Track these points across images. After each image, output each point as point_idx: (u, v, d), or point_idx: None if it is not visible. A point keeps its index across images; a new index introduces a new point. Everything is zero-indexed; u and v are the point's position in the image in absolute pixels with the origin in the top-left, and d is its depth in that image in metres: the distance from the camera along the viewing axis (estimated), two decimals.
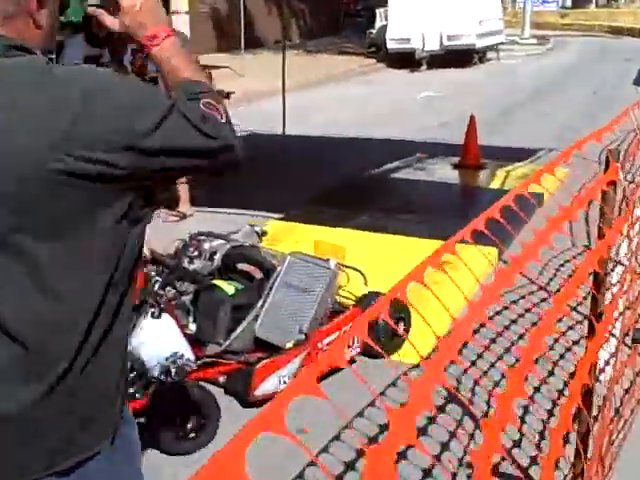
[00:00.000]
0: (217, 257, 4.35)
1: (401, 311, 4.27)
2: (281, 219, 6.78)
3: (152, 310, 3.65)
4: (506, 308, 4.89)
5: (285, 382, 3.89)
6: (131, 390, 3.53)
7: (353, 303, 4.48)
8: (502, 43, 22.60)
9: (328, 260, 4.25)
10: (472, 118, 8.63)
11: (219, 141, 1.52)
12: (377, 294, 4.40)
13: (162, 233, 5.68)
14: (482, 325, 4.40)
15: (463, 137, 8.70)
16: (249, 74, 16.83)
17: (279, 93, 10.38)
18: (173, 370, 3.60)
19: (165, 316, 3.70)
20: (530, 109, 13.25)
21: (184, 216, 7.09)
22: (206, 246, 4.43)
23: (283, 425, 1.19)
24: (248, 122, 11.51)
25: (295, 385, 1.35)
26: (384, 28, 20.95)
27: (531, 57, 22.92)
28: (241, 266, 4.42)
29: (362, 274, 4.59)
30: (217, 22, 22.54)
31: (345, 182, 8.00)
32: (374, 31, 22.88)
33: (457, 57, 19.45)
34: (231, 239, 4.60)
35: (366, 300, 4.32)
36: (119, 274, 1.52)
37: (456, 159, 8.81)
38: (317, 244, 4.96)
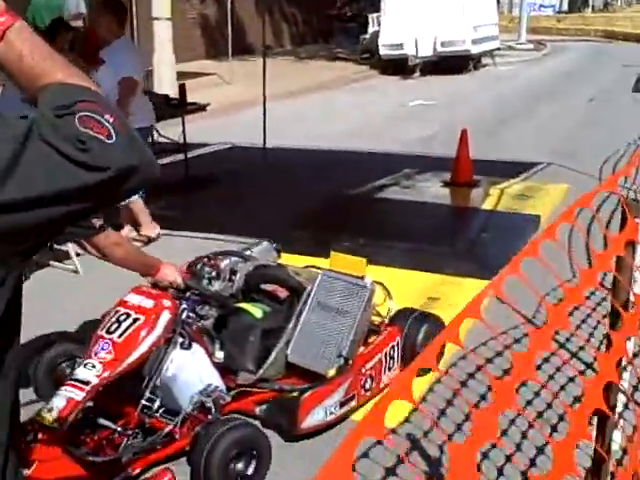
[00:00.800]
0: (238, 277, 4.06)
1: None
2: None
3: (181, 340, 3.37)
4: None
5: (332, 413, 3.59)
6: (166, 430, 3.25)
7: (383, 320, 4.21)
8: (498, 49, 22.07)
9: (363, 277, 3.97)
10: (464, 132, 8.04)
11: (110, 171, 1.05)
12: (410, 311, 4.25)
13: None
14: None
15: (454, 150, 8.11)
16: (237, 81, 16.31)
17: (268, 101, 9.83)
18: (208, 404, 3.35)
19: (195, 346, 3.43)
20: (526, 118, 12.72)
21: (149, 240, 6.54)
22: (224, 265, 4.07)
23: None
24: (231, 133, 11.01)
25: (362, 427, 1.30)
26: (377, 34, 20.42)
27: (527, 63, 22.38)
28: (264, 286, 4.17)
29: (386, 289, 4.24)
30: (206, 28, 21.99)
31: (324, 202, 7.42)
32: (367, 37, 22.34)
33: (451, 63, 18.94)
34: (250, 257, 4.25)
35: (400, 318, 4.17)
36: None
37: (447, 175, 8.22)
38: (334, 257, 4.53)
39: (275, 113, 10.16)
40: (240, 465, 3.17)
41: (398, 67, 19.15)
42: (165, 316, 3.30)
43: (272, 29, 25.90)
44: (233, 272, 4.08)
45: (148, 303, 3.31)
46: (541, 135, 11.19)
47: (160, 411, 3.32)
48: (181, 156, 8.32)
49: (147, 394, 3.28)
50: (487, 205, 7.33)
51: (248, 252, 4.45)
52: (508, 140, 10.80)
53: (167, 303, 3.35)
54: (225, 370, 3.66)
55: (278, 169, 8.88)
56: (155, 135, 7.85)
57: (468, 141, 8.00)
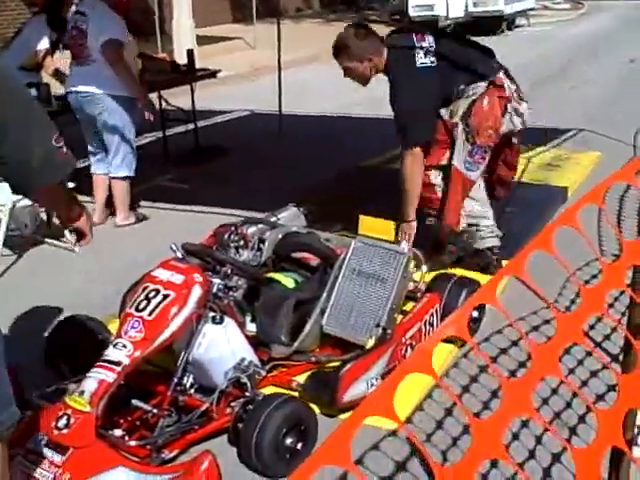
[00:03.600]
0: (266, 245, 3.96)
1: None
2: None
3: (212, 314, 3.24)
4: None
5: (373, 385, 3.39)
6: (202, 409, 3.12)
7: (418, 287, 4.03)
8: (532, 9, 21.31)
9: (399, 243, 3.86)
10: None
11: None
12: (449, 275, 4.15)
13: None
14: None
15: None
16: (262, 46, 15.87)
17: (293, 65, 9.39)
18: (244, 380, 3.24)
19: (227, 320, 3.29)
20: (560, 82, 12.14)
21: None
22: (251, 233, 3.95)
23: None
24: (252, 99, 10.64)
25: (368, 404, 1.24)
26: None
27: (564, 23, 21.56)
28: (294, 254, 4.04)
29: (419, 255, 4.03)
30: None
31: (336, 173, 7.04)
32: None
33: (484, 24, 18.29)
34: (278, 224, 4.19)
35: (438, 283, 4.04)
36: None
37: None
38: (363, 220, 4.41)
39: (299, 78, 9.77)
40: (289, 441, 3.02)
41: (428, 29, 18.52)
42: (196, 291, 3.14)
43: None
44: (261, 240, 3.96)
45: (178, 278, 3.15)
46: (575, 100, 10.64)
47: (193, 389, 3.20)
48: (193, 125, 8.00)
49: (179, 371, 3.15)
50: None
51: (274, 219, 4.30)
52: (540, 105, 10.19)
53: (198, 277, 3.18)
54: (258, 343, 3.54)
55: (293, 137, 8.52)
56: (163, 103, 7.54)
57: None
